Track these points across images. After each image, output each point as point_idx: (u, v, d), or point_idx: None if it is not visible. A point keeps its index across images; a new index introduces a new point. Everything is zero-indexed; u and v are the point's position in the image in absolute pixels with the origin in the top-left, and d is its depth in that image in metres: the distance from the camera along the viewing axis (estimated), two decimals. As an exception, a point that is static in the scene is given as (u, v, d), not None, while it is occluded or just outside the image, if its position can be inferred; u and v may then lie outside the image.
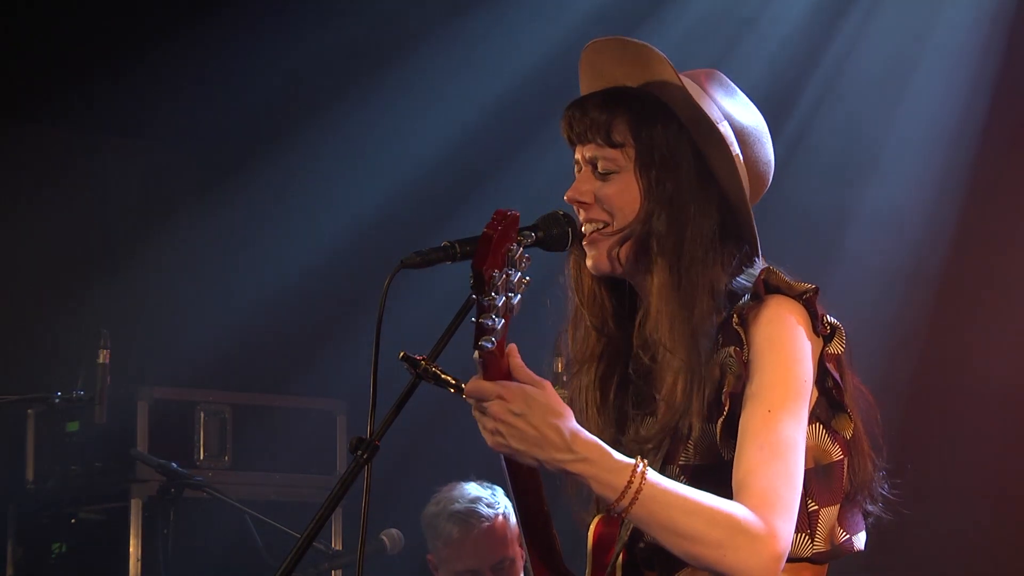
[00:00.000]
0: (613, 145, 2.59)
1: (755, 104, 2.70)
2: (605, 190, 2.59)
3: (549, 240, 2.58)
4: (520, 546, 4.64)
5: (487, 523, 4.66)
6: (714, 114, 2.58)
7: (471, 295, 2.31)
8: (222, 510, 5.19)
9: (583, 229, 2.63)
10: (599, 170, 2.61)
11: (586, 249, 2.63)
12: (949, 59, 5.45)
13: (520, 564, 4.68)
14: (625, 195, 2.59)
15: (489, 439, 2.36)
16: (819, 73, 5.75)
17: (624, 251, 2.59)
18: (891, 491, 2.62)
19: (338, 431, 5.94)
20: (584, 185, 2.61)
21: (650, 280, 2.57)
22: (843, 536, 2.54)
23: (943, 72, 5.47)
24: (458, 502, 4.72)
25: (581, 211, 2.62)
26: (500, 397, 2.32)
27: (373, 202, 6.47)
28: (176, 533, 5.18)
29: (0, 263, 6.36)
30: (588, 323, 2.68)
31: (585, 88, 2.68)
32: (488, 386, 2.33)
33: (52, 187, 6.51)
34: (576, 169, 2.66)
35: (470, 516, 4.68)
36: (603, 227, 2.60)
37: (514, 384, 2.34)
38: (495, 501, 4.69)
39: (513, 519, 4.65)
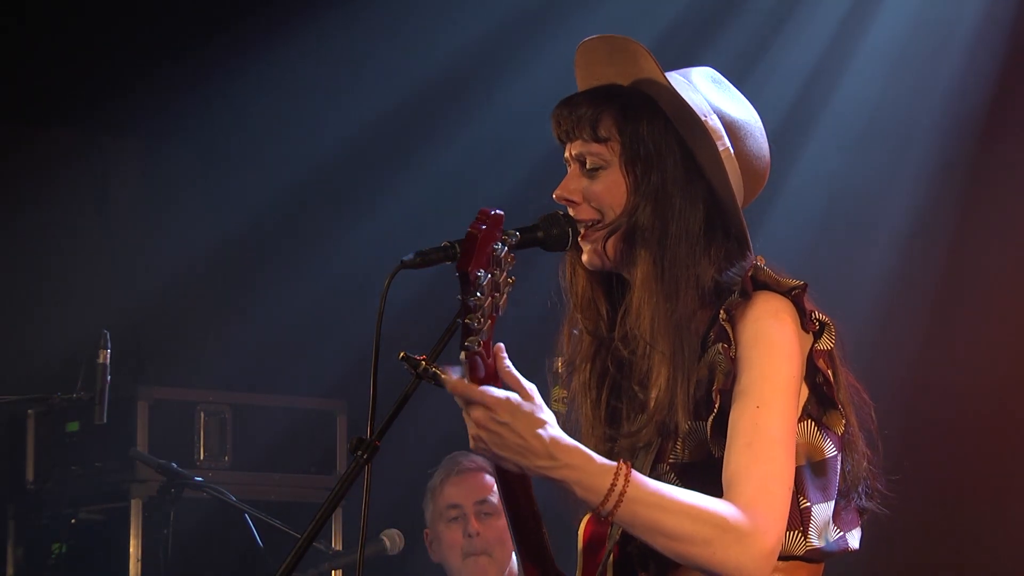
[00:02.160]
0: (599, 140, 2.60)
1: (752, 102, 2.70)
2: (593, 187, 2.60)
3: (549, 240, 2.59)
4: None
5: (470, 465, 4.77)
6: (699, 107, 2.58)
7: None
8: (222, 510, 5.19)
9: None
10: (587, 166, 2.61)
11: (581, 246, 2.63)
12: (947, 55, 5.45)
13: (506, 530, 4.71)
14: (613, 191, 2.59)
15: (472, 444, 2.37)
16: (817, 72, 5.75)
17: (612, 244, 2.59)
18: (888, 488, 2.62)
19: (338, 431, 5.94)
20: (572, 183, 2.62)
21: (634, 273, 2.58)
22: (836, 534, 2.53)
23: (941, 69, 5.46)
24: (448, 458, 4.87)
25: (570, 210, 2.62)
26: (485, 406, 2.32)
27: (375, 203, 6.47)
28: (176, 533, 5.18)
29: (0, 262, 6.37)
30: (582, 326, 2.68)
31: (582, 89, 2.69)
32: (473, 391, 2.33)
33: (52, 187, 6.51)
34: (566, 167, 2.66)
35: (453, 460, 4.83)
36: (593, 224, 2.61)
37: (499, 392, 2.34)
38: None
39: None
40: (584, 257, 2.63)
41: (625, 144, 2.59)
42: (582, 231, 2.61)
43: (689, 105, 2.57)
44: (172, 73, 6.27)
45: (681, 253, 2.56)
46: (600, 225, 2.60)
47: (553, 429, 2.35)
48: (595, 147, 2.60)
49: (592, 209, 2.60)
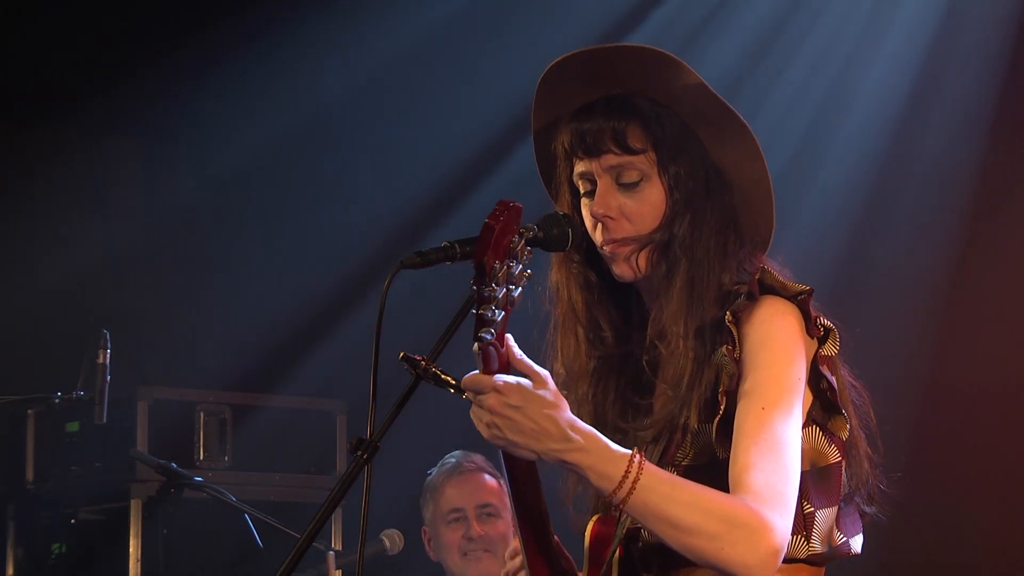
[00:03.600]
0: (633, 152, 2.57)
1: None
2: (633, 204, 2.58)
3: (549, 240, 2.58)
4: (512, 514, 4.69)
5: (470, 467, 4.74)
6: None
7: (471, 293, 2.30)
8: (222, 510, 5.19)
9: (603, 248, 2.61)
10: (622, 181, 2.59)
11: (609, 263, 2.62)
12: (957, 58, 5.45)
13: (509, 527, 4.70)
14: (655, 204, 2.58)
15: (485, 432, 2.36)
16: (820, 74, 5.75)
17: (644, 256, 2.58)
18: (897, 489, 2.63)
19: (338, 431, 5.94)
20: (612, 200, 2.58)
21: (666, 278, 2.57)
22: (840, 538, 2.54)
23: (950, 71, 5.46)
24: (447, 458, 4.84)
25: (604, 226, 2.59)
26: (496, 391, 2.32)
27: (374, 202, 6.48)
28: (176, 533, 5.18)
29: (0, 263, 6.37)
30: (580, 336, 2.67)
31: (547, 106, 2.64)
32: (485, 379, 2.34)
33: (52, 187, 6.51)
34: (584, 184, 2.62)
35: (456, 463, 4.82)
36: (627, 240, 2.59)
37: (510, 378, 2.34)
38: (485, 459, 4.75)
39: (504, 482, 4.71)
40: (617, 271, 2.61)
41: (661, 154, 2.57)
42: (611, 246, 2.59)
43: (729, 106, 2.55)
44: (172, 73, 6.27)
45: (710, 259, 2.56)
46: (632, 239, 2.58)
47: (567, 413, 2.35)
48: (629, 159, 2.58)
49: (630, 225, 2.58)
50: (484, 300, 2.27)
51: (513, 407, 2.32)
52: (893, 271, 5.46)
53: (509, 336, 2.37)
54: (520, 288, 2.33)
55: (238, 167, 6.62)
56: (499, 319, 2.29)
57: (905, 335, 5.32)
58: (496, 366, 2.35)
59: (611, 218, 2.58)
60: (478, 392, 2.34)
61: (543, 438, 2.33)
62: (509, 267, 2.30)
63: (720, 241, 2.57)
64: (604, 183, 2.59)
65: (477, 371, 2.36)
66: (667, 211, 2.57)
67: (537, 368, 2.37)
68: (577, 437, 2.34)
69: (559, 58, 2.60)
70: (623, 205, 2.58)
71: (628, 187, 2.58)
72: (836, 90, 5.71)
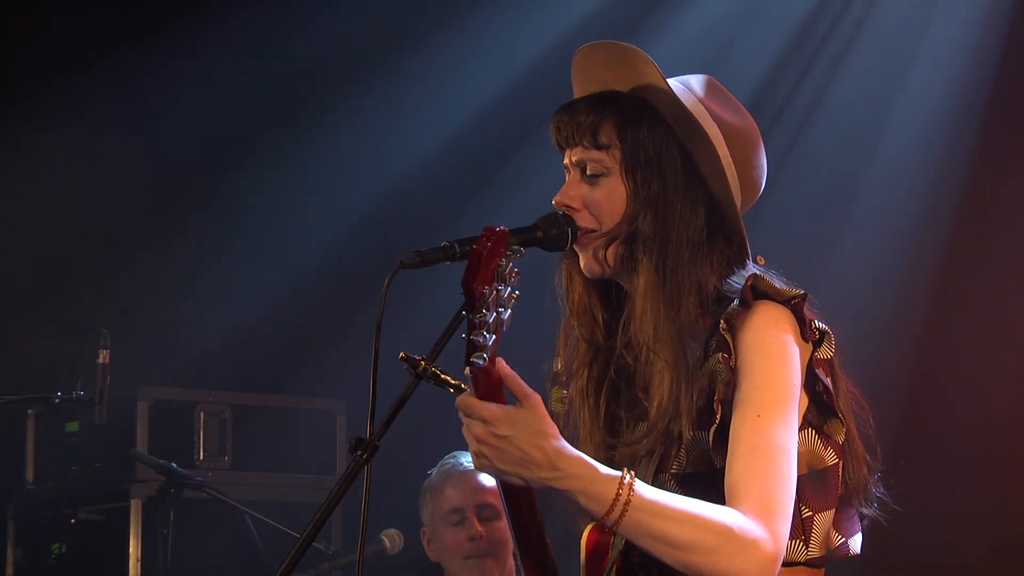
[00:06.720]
0: (599, 147, 2.60)
1: (749, 109, 2.70)
2: (593, 194, 2.60)
3: (548, 240, 2.59)
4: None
5: (471, 466, 4.71)
6: (701, 115, 2.58)
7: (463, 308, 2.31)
8: (222, 510, 5.19)
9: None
10: (587, 173, 2.61)
11: (579, 254, 2.63)
12: (948, 55, 5.45)
13: (507, 530, 4.68)
14: (613, 198, 2.60)
15: (475, 461, 2.37)
16: (815, 73, 5.75)
17: (611, 252, 2.60)
18: (887, 492, 2.63)
19: (338, 431, 5.94)
20: (572, 190, 2.62)
21: (636, 280, 2.58)
22: (838, 540, 2.54)
23: (942, 69, 5.47)
24: (447, 458, 4.82)
25: (570, 216, 2.62)
26: (484, 420, 2.32)
27: (373, 201, 6.47)
28: (176, 533, 5.18)
29: (0, 262, 6.37)
30: (578, 332, 2.68)
31: (578, 94, 2.69)
32: (475, 405, 2.33)
33: (52, 187, 6.51)
34: (565, 173, 2.66)
35: (453, 460, 4.78)
36: (592, 231, 2.61)
37: (497, 407, 2.33)
38: None
39: None
40: (582, 264, 2.63)
41: (625, 151, 2.59)
42: (582, 239, 2.61)
43: (690, 111, 2.57)
44: (174, 73, 6.27)
45: (683, 260, 2.56)
46: (599, 232, 2.60)
47: (555, 440, 2.34)
48: (596, 154, 2.60)
49: (592, 216, 2.60)
50: (475, 326, 2.28)
51: (501, 436, 2.32)
52: (881, 272, 5.46)
53: (500, 359, 2.36)
54: (509, 310, 2.33)
55: (236, 166, 6.63)
56: (490, 343, 2.29)
57: (897, 335, 5.32)
58: (488, 390, 2.34)
59: (572, 208, 2.61)
60: (468, 416, 2.34)
61: (531, 466, 2.33)
62: (498, 291, 2.30)
63: (693, 243, 2.57)
64: (574, 175, 2.64)
65: (469, 391, 2.36)
66: (628, 207, 2.58)
67: (528, 390, 2.36)
68: (565, 463, 2.34)
69: (578, 50, 2.67)
70: (585, 195, 2.61)
71: (591, 179, 2.61)
72: (818, 81, 5.72)
